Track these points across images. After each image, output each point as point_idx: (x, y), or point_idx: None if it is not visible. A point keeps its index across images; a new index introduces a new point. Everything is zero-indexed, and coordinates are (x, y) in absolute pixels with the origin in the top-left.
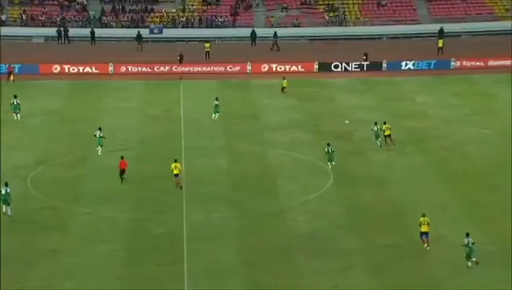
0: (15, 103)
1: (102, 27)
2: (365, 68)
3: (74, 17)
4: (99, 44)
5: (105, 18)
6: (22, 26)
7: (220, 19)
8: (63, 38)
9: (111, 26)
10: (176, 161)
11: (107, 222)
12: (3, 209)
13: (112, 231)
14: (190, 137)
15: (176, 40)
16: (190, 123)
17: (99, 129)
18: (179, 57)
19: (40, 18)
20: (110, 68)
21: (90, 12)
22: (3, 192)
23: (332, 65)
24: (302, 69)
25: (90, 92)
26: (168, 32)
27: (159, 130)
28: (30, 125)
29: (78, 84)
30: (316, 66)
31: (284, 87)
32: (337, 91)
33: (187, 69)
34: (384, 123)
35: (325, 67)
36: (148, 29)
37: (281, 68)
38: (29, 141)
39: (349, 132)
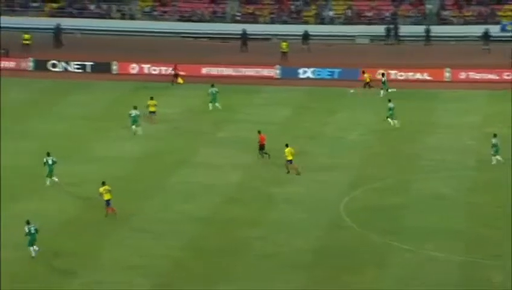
0: (133, 114)
1: (440, 24)
2: None
3: (408, 12)
4: (436, 44)
5: (445, 13)
6: (344, 24)
7: None
8: (391, 38)
9: (451, 23)
10: (287, 146)
11: (432, 263)
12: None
13: (439, 274)
14: None
15: None
16: None
17: (494, 136)
18: None
19: (367, 14)
20: (446, 74)
21: (427, 6)
22: (50, 162)
23: None
24: None
25: (419, 103)
26: None
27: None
28: (345, 141)
29: (406, 93)
30: None
31: (368, 82)
32: None
33: None
34: None
35: None
36: (498, 26)
37: None
38: (346, 160)
39: None
